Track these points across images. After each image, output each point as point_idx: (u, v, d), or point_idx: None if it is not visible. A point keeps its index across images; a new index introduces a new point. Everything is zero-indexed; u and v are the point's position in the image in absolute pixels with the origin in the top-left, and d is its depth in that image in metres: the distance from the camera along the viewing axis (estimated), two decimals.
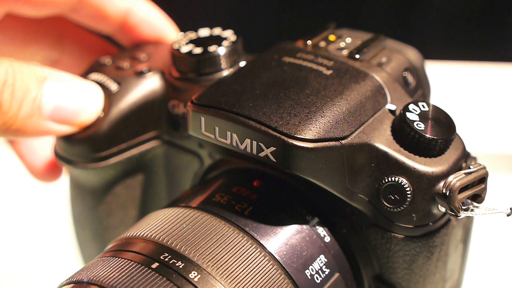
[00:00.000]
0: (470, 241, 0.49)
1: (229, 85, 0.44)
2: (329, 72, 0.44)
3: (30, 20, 0.54)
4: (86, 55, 0.57)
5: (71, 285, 0.39)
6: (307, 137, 0.40)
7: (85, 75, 0.52)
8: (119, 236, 0.43)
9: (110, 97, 0.49)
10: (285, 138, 0.39)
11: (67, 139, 0.49)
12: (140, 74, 0.50)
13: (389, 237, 0.43)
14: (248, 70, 0.45)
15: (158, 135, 0.51)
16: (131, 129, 0.50)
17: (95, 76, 0.51)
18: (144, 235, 0.41)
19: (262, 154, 0.40)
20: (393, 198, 0.42)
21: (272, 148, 0.40)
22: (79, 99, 0.48)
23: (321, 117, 0.41)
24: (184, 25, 0.58)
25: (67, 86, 0.48)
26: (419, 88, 0.49)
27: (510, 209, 0.41)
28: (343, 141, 0.41)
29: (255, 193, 0.44)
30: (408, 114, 0.42)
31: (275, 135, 0.40)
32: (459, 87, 0.90)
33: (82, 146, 0.49)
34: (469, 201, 0.42)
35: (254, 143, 0.40)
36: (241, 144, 0.41)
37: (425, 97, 0.50)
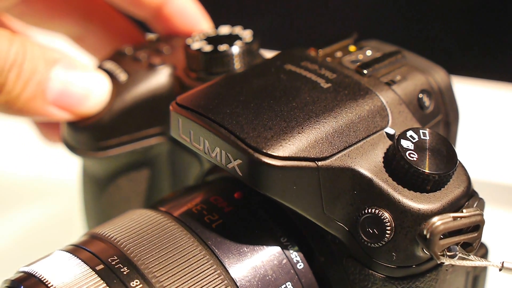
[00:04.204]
0: None
1: (217, 88, 0.41)
2: (327, 86, 0.41)
3: None
4: (112, 37, 0.56)
5: (21, 274, 0.38)
6: (275, 153, 0.36)
7: (101, 63, 0.51)
8: (92, 229, 0.42)
9: (117, 88, 0.48)
10: (252, 152, 0.36)
11: (71, 126, 0.49)
12: (151, 67, 0.49)
13: (368, 274, 0.39)
14: (243, 74, 0.42)
15: (163, 132, 0.49)
16: (135, 122, 0.48)
17: (108, 65, 0.50)
18: (107, 235, 0.39)
19: (230, 166, 0.38)
20: (371, 231, 0.37)
21: (239, 161, 0.37)
22: (85, 88, 0.47)
23: (298, 133, 0.37)
24: (221, 21, 0.55)
25: (76, 73, 0.47)
26: (439, 114, 0.44)
27: (502, 263, 0.36)
28: (320, 162, 0.37)
29: (231, 205, 0.41)
30: (402, 142, 0.38)
31: (242, 147, 0.37)
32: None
33: (84, 134, 0.48)
34: (457, 247, 0.37)
35: (223, 153, 0.38)
36: (212, 152, 0.38)
37: (449, 125, 0.45)
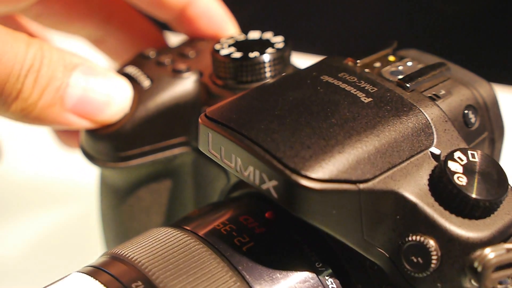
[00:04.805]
0: None
1: (250, 100, 0.38)
2: (367, 100, 0.38)
3: None
4: (133, 40, 0.53)
5: None
6: (314, 175, 0.33)
7: (122, 67, 0.48)
8: (112, 249, 0.39)
9: (139, 94, 0.46)
10: (289, 173, 0.34)
11: (90, 134, 0.46)
12: (176, 72, 0.46)
13: None
14: (277, 85, 0.40)
15: (187, 141, 0.47)
16: (158, 131, 0.46)
17: (130, 69, 0.47)
18: (130, 256, 0.37)
19: (264, 187, 0.35)
20: (415, 260, 0.35)
21: (274, 182, 0.34)
22: (106, 95, 0.44)
23: (339, 153, 0.34)
24: (248, 26, 0.52)
25: (96, 79, 0.44)
26: (484, 131, 0.41)
27: None
28: (361, 185, 0.34)
29: (262, 226, 0.38)
30: (450, 164, 0.35)
31: (278, 167, 0.34)
32: None
33: (103, 143, 0.46)
34: (509, 280, 0.34)
35: (257, 172, 0.35)
36: (245, 171, 0.36)
37: (493, 142, 0.42)
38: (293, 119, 0.36)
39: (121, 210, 0.49)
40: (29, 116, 0.43)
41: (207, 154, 0.38)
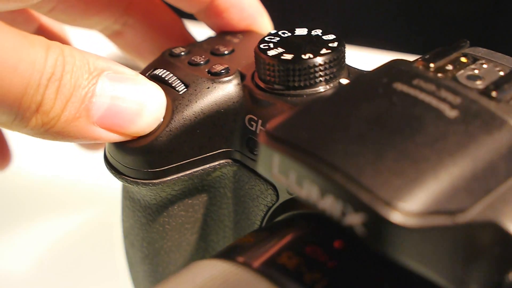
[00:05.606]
0: None
1: (319, 114, 0.33)
2: (453, 114, 0.33)
3: None
4: (155, 34, 0.48)
5: None
6: (411, 208, 0.29)
7: (150, 68, 0.43)
8: (157, 286, 0.34)
9: (174, 101, 0.40)
10: (382, 206, 0.29)
11: (118, 147, 0.41)
12: (215, 75, 0.41)
13: None
14: (346, 95, 0.35)
15: (228, 153, 0.41)
16: (196, 143, 0.41)
17: (160, 71, 0.42)
18: None
19: (347, 221, 0.30)
20: None
21: (362, 216, 0.29)
22: (137, 104, 0.39)
23: (433, 179, 0.30)
24: (282, 22, 0.47)
25: (125, 85, 0.39)
26: None
27: None
28: (458, 216, 0.30)
29: (334, 259, 0.34)
30: None
31: (367, 199, 0.29)
32: None
33: (134, 158, 0.40)
34: None
35: (339, 203, 0.30)
36: (322, 201, 0.31)
37: None
38: (373, 139, 0.31)
39: (151, 228, 0.44)
40: (50, 131, 0.38)
41: (270, 179, 0.33)
